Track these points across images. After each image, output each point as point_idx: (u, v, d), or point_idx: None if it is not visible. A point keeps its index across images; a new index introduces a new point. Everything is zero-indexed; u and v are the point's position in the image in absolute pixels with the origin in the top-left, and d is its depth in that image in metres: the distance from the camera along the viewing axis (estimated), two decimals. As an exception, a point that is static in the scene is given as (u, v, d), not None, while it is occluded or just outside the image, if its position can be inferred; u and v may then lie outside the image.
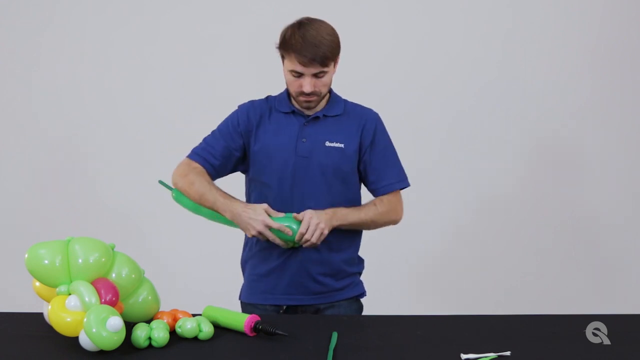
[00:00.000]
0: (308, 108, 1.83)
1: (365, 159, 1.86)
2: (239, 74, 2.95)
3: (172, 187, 1.88)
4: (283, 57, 1.78)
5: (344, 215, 1.79)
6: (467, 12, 2.96)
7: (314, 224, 1.69)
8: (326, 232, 1.72)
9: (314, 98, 1.78)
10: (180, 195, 1.85)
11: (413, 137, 2.93)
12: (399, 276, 3.02)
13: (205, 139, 1.88)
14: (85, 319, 1.35)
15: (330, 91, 1.89)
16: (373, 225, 1.87)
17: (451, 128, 2.98)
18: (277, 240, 1.73)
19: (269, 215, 1.72)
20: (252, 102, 1.90)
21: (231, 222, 1.79)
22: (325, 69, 1.73)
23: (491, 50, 2.95)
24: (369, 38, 2.96)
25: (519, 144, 2.99)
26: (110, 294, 1.42)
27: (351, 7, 2.97)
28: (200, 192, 1.78)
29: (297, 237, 1.71)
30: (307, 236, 1.70)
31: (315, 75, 1.74)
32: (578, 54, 2.94)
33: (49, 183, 3.09)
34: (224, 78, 2.96)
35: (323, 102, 1.86)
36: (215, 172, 1.87)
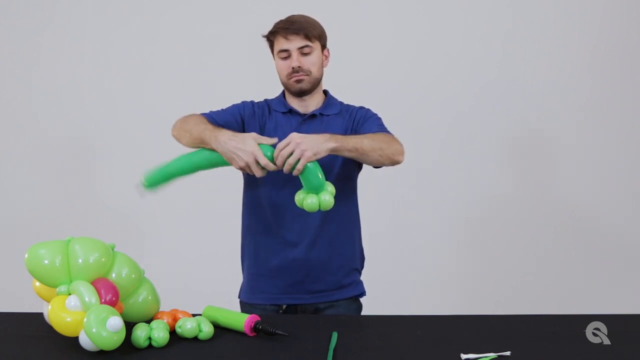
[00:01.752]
0: (300, 90, 1.82)
1: (356, 131, 1.85)
2: (239, 74, 2.95)
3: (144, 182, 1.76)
4: (272, 47, 1.85)
5: (343, 140, 1.64)
6: (467, 12, 2.96)
7: (294, 142, 1.56)
8: (308, 154, 1.55)
9: (304, 76, 1.81)
10: (151, 177, 1.73)
11: (413, 137, 2.91)
12: (399, 276, 3.02)
13: (211, 111, 1.87)
14: (85, 319, 1.35)
15: (326, 93, 1.93)
16: (374, 152, 1.67)
17: (451, 128, 2.98)
18: (259, 173, 1.61)
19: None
20: (252, 102, 1.93)
21: (218, 158, 1.67)
22: (310, 44, 1.79)
23: (491, 50, 2.95)
24: (369, 38, 2.96)
25: (519, 144, 2.99)
26: (110, 294, 1.42)
27: (351, 7, 2.97)
28: (195, 122, 1.73)
29: (275, 154, 1.57)
30: (282, 152, 1.55)
31: (301, 52, 1.79)
32: (578, 54, 2.94)
33: (48, 183, 3.09)
34: (224, 78, 2.96)
35: (320, 101, 1.89)
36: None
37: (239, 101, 1.93)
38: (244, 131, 1.84)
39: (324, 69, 1.89)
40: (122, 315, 1.46)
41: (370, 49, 2.95)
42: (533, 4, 2.95)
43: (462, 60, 2.96)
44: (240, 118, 1.86)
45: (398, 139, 1.78)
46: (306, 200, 1.62)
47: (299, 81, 1.81)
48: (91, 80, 3.05)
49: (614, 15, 2.94)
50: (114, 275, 1.50)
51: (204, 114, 1.83)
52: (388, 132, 1.82)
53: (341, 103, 1.93)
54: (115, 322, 1.34)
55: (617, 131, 2.97)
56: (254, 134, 1.64)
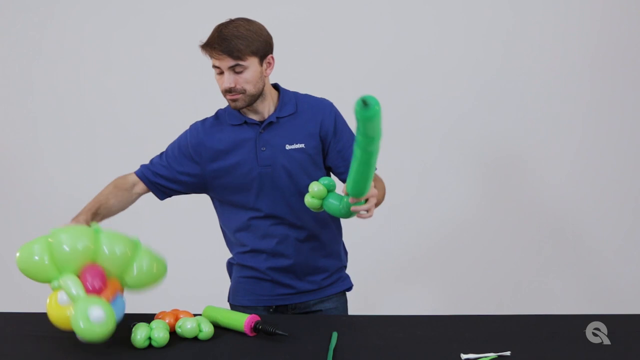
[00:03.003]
0: (235, 108, 1.77)
1: (332, 150, 1.82)
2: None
3: None
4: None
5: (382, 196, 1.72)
6: (467, 12, 2.95)
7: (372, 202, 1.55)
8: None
9: (237, 96, 1.73)
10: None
11: (413, 137, 2.92)
12: (399, 276, 3.02)
13: (154, 159, 1.89)
14: (71, 315, 1.34)
15: (279, 90, 1.86)
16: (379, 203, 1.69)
17: (451, 128, 2.98)
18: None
19: None
20: (203, 122, 1.88)
21: None
22: (242, 63, 1.69)
23: (491, 50, 2.95)
24: (369, 38, 2.95)
25: (520, 144, 2.99)
26: (95, 280, 1.39)
27: (351, 7, 2.96)
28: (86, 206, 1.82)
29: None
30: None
31: (234, 71, 1.71)
32: (578, 54, 2.94)
33: (47, 183, 3.08)
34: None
35: (272, 104, 1.82)
36: (155, 188, 1.88)
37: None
38: (201, 169, 1.82)
39: (268, 77, 1.81)
40: (131, 287, 1.45)
41: (370, 49, 2.94)
42: (533, 4, 2.94)
43: (462, 61, 2.96)
44: (185, 161, 1.84)
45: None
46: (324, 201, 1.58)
47: (234, 100, 1.75)
48: (91, 80, 3.04)
49: (614, 15, 2.93)
50: (105, 253, 1.46)
51: (143, 167, 1.88)
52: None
53: (296, 96, 1.86)
54: (97, 313, 1.31)
55: (617, 131, 2.96)
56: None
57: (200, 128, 1.86)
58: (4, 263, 3.12)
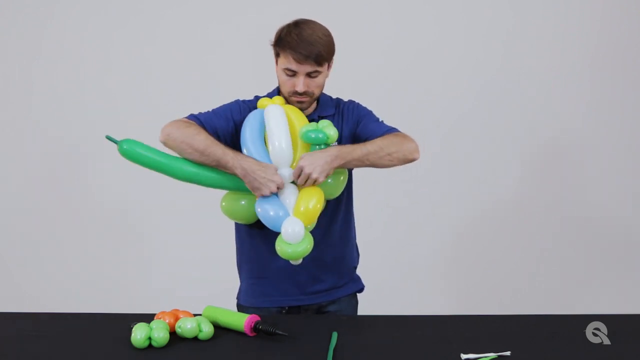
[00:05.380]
0: (300, 109, 1.78)
1: (359, 133, 1.82)
2: (239, 74, 2.95)
3: (125, 141, 1.72)
4: (277, 56, 1.76)
5: (349, 152, 1.67)
6: (467, 12, 2.95)
7: (304, 173, 1.61)
8: (319, 178, 1.61)
9: (306, 99, 1.76)
10: (134, 146, 1.69)
11: (413, 137, 2.92)
12: (399, 276, 3.02)
13: (200, 113, 1.81)
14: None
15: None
16: (386, 155, 1.70)
17: (452, 128, 2.98)
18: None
19: None
20: (251, 100, 1.86)
21: (214, 182, 1.68)
22: (319, 69, 1.71)
23: (491, 50, 2.95)
24: (369, 38, 2.95)
25: (520, 144, 2.99)
26: None
27: (351, 7, 2.96)
28: (207, 143, 1.64)
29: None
30: (298, 181, 1.63)
31: (309, 75, 1.72)
32: (578, 54, 2.94)
33: (48, 183, 3.08)
34: (224, 78, 2.96)
35: (313, 104, 1.84)
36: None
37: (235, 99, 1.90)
38: (236, 135, 1.78)
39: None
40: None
41: (370, 49, 2.95)
42: (533, 4, 2.94)
43: (463, 61, 2.96)
44: (232, 123, 1.78)
45: (407, 134, 1.77)
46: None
47: (301, 102, 1.76)
48: (91, 80, 3.04)
49: (614, 15, 2.93)
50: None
51: (192, 117, 1.76)
52: (394, 130, 1.80)
53: (330, 98, 1.89)
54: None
55: (617, 131, 2.97)
56: (275, 166, 1.65)
57: (244, 107, 1.82)
58: (4, 263, 3.13)
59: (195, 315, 1.57)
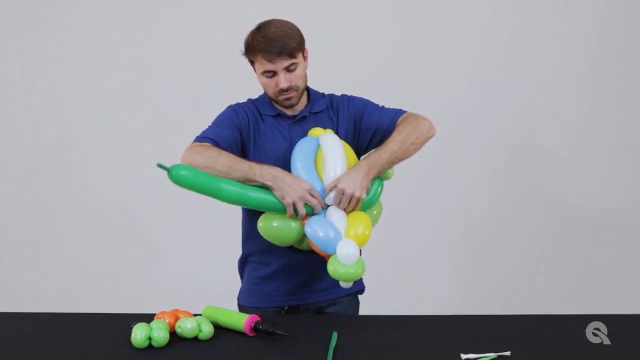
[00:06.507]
0: (290, 106, 1.80)
1: (365, 126, 1.84)
2: (239, 74, 2.92)
3: (175, 167, 1.61)
4: (252, 64, 1.78)
5: (377, 159, 1.71)
6: (467, 12, 2.96)
7: (346, 194, 1.64)
8: (363, 195, 1.66)
9: (293, 93, 1.77)
10: (183, 171, 1.59)
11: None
12: (400, 276, 3.02)
13: (205, 131, 1.79)
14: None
15: (308, 89, 1.88)
16: (410, 145, 1.77)
17: (452, 128, 2.97)
18: (303, 211, 1.65)
19: None
20: (244, 103, 1.88)
21: (248, 199, 1.65)
22: (295, 60, 1.72)
23: (491, 50, 2.95)
24: (369, 38, 2.95)
25: (520, 144, 2.99)
26: None
27: (351, 7, 2.97)
28: (230, 162, 1.65)
29: (334, 203, 1.67)
30: (341, 205, 1.65)
31: (288, 70, 1.73)
32: (578, 54, 2.94)
33: (48, 183, 3.09)
34: (224, 78, 2.96)
35: (304, 101, 1.85)
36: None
37: (239, 102, 1.90)
38: (241, 140, 1.79)
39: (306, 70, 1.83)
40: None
41: (370, 49, 2.95)
42: (534, 4, 2.94)
43: (463, 61, 2.96)
44: (237, 131, 1.79)
45: (414, 112, 1.81)
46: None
47: (289, 98, 1.77)
48: (91, 80, 3.05)
49: (614, 15, 2.93)
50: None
51: (203, 140, 1.74)
52: (400, 112, 1.84)
53: (322, 94, 1.90)
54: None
55: (617, 131, 2.97)
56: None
57: (244, 106, 1.86)
58: (4, 263, 3.13)
59: (195, 315, 1.57)
